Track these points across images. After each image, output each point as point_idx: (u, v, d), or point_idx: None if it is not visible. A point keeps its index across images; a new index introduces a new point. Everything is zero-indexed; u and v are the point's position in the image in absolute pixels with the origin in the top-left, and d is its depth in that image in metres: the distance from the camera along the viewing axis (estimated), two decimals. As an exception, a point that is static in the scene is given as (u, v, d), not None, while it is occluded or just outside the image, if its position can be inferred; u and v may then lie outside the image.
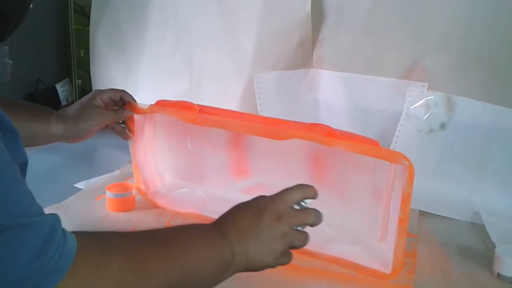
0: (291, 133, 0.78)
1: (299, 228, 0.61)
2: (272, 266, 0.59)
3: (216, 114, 0.87)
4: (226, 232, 0.57)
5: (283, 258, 0.60)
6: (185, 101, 0.91)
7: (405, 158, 0.70)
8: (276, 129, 0.80)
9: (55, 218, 0.46)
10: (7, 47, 0.54)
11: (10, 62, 0.54)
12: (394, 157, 0.72)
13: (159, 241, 0.52)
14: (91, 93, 0.89)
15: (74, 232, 0.46)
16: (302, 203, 0.62)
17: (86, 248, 0.45)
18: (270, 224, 0.58)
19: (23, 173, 0.52)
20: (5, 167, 0.44)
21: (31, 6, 0.55)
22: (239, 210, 0.60)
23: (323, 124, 0.79)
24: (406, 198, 0.71)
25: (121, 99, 0.90)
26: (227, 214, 0.60)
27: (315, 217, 0.61)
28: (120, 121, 0.92)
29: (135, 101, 0.92)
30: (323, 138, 0.76)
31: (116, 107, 0.91)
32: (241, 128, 0.85)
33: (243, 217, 0.59)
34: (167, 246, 0.52)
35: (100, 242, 0.48)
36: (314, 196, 0.63)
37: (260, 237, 0.57)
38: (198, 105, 0.90)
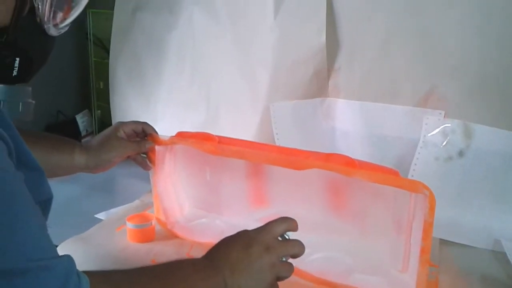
0: (310, 163, 0.79)
1: (284, 259, 0.63)
2: None
3: (234, 145, 0.89)
4: (218, 265, 0.59)
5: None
6: (204, 133, 0.92)
7: (426, 187, 0.70)
8: (295, 159, 0.81)
9: (69, 260, 0.47)
10: (30, 88, 0.56)
11: (33, 102, 0.56)
12: (414, 187, 0.72)
13: (162, 279, 0.54)
14: (114, 125, 0.91)
15: (86, 272, 0.47)
16: (285, 235, 0.65)
17: None
18: (260, 254, 0.61)
19: (48, 209, 0.54)
20: (26, 210, 0.45)
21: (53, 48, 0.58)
22: (227, 243, 0.63)
23: (341, 154, 0.80)
24: (427, 227, 0.71)
25: (143, 130, 0.92)
26: (216, 248, 0.63)
27: (300, 248, 0.64)
28: (142, 152, 0.94)
29: (156, 132, 0.94)
30: (343, 168, 0.76)
31: (138, 139, 0.93)
32: (260, 158, 0.86)
33: (232, 250, 0.61)
34: (169, 283, 0.54)
35: (111, 282, 0.50)
36: (295, 228, 0.65)
37: (251, 268, 0.60)
38: (217, 136, 0.92)
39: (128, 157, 0.92)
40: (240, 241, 0.63)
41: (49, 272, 0.43)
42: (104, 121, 1.65)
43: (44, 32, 0.54)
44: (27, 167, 0.47)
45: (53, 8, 0.53)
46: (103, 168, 0.89)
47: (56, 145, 0.86)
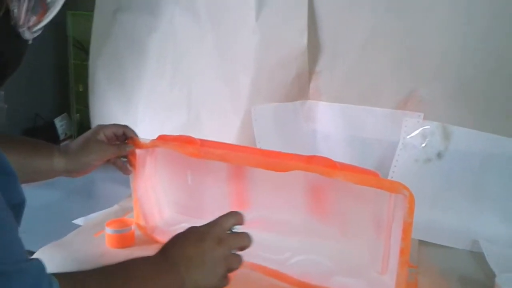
0: (291, 165, 0.79)
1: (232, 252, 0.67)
2: None
3: (216, 148, 0.88)
4: (174, 261, 0.61)
5: (224, 280, 0.65)
6: (186, 136, 0.92)
7: (405, 188, 0.71)
8: (277, 161, 0.81)
9: (40, 263, 0.47)
10: (2, 92, 0.55)
11: (6, 106, 0.55)
12: (394, 187, 0.72)
13: (124, 277, 0.56)
14: (94, 128, 0.90)
15: (55, 275, 0.48)
16: (233, 229, 0.68)
17: None
18: (213, 247, 0.63)
19: (20, 213, 0.53)
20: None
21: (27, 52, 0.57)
22: (180, 239, 0.65)
23: (322, 156, 0.80)
24: (407, 228, 0.71)
25: (124, 134, 0.91)
26: (169, 244, 0.64)
27: (249, 240, 0.67)
28: (122, 156, 0.93)
29: (137, 135, 0.93)
30: (324, 169, 0.76)
31: (118, 142, 0.91)
32: (242, 161, 0.86)
33: (186, 245, 0.64)
34: (130, 282, 0.56)
35: (79, 283, 0.51)
36: (243, 222, 0.69)
37: (205, 262, 0.62)
38: (199, 139, 0.91)
39: (108, 161, 0.91)
40: (192, 236, 0.64)
41: (22, 275, 0.44)
42: (84, 124, 1.63)
43: (18, 36, 0.53)
44: None
45: (29, 12, 0.52)
46: (82, 172, 0.88)
47: (34, 149, 0.84)
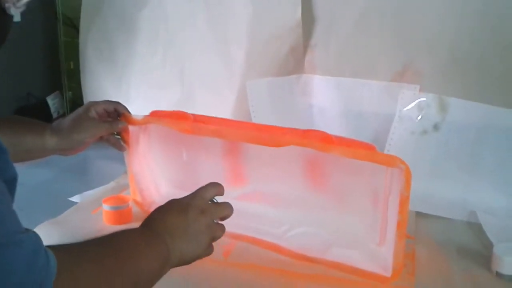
0: (287, 140, 0.79)
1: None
2: (200, 257, 0.65)
3: (210, 123, 0.87)
4: (158, 232, 0.61)
5: (209, 249, 0.66)
6: (179, 111, 0.91)
7: (402, 161, 0.71)
8: (272, 136, 0.81)
9: (36, 235, 0.47)
10: None
11: None
12: (390, 161, 0.72)
13: (117, 250, 0.56)
14: (85, 105, 0.89)
15: (50, 247, 0.47)
16: (214, 200, 0.69)
17: (64, 263, 0.46)
18: (196, 218, 0.64)
19: (13, 189, 0.53)
20: None
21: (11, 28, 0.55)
22: (162, 212, 0.65)
23: (318, 130, 0.79)
24: (404, 201, 0.71)
25: (115, 110, 0.90)
26: (152, 217, 0.64)
27: (230, 209, 0.68)
28: (115, 133, 0.92)
29: (129, 112, 0.91)
30: (319, 144, 0.76)
31: (110, 119, 0.90)
32: (236, 136, 0.85)
33: (169, 216, 0.64)
34: (124, 252, 0.56)
35: (75, 255, 0.51)
36: (223, 193, 0.70)
37: (189, 232, 0.63)
38: (193, 114, 0.90)
39: (101, 138, 0.90)
40: (174, 208, 0.65)
41: (18, 247, 0.43)
42: (76, 102, 1.61)
43: (3, 11, 0.51)
44: None
45: None
46: (75, 150, 0.87)
47: (26, 128, 0.83)
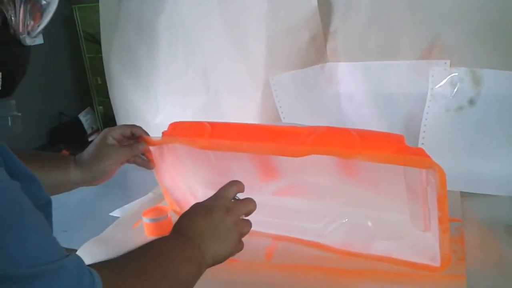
0: (307, 150, 0.76)
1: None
2: (233, 254, 0.66)
3: (229, 131, 0.86)
4: (190, 236, 0.62)
5: (239, 245, 0.67)
6: (196, 122, 0.89)
7: (433, 163, 0.66)
8: (291, 147, 0.78)
9: (78, 258, 0.48)
10: (14, 101, 0.54)
11: (19, 114, 0.55)
12: (421, 163, 0.68)
13: (155, 259, 0.57)
14: (101, 133, 0.89)
15: (93, 265, 0.49)
16: (236, 197, 0.70)
17: (108, 279, 0.48)
18: (222, 217, 0.65)
19: (49, 213, 0.55)
20: (28, 217, 0.45)
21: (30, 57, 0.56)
22: (187, 217, 0.66)
23: (338, 128, 0.77)
24: (441, 199, 0.68)
25: (132, 133, 0.90)
26: (179, 223, 0.65)
27: (253, 204, 0.69)
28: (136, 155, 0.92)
29: (146, 133, 0.91)
30: (341, 151, 0.73)
31: (129, 142, 0.90)
32: (254, 149, 0.83)
33: (196, 220, 0.65)
34: (162, 260, 0.57)
35: (117, 270, 0.52)
36: (243, 189, 0.70)
37: (218, 231, 0.64)
38: (210, 123, 0.88)
39: (128, 161, 0.90)
40: (199, 211, 0.66)
41: (64, 271, 0.45)
42: (108, 116, 1.64)
43: (19, 43, 0.52)
44: (19, 177, 0.47)
45: (26, 17, 0.51)
46: (102, 179, 0.87)
47: (50, 163, 0.84)
